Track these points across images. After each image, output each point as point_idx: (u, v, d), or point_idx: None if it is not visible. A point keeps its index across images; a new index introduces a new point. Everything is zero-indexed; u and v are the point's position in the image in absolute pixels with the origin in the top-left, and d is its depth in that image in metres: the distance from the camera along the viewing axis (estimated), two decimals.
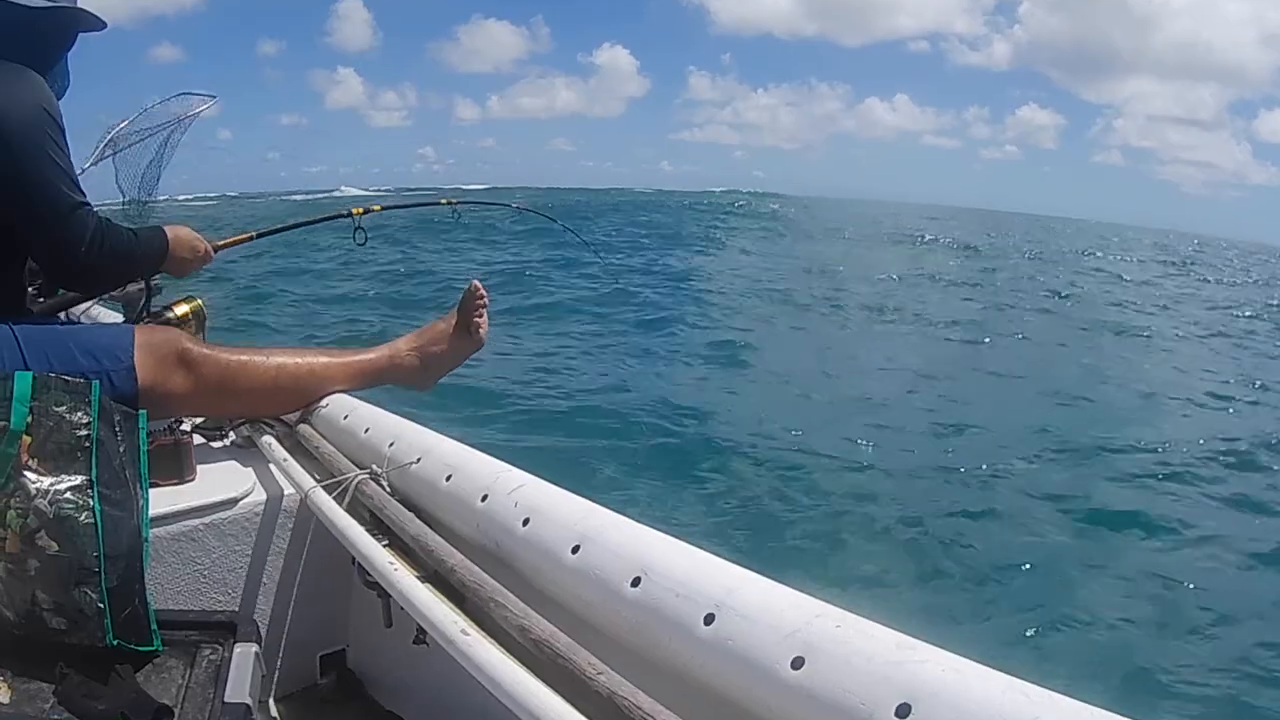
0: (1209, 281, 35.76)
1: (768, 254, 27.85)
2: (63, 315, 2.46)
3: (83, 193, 1.99)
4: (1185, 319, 20.66)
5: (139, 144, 2.85)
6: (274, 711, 2.02)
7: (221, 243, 2.59)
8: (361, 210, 3.17)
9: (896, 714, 0.86)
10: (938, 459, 7.95)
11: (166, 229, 2.29)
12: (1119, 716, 0.80)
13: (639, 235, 31.02)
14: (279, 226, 3.15)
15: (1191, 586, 5.66)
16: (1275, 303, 27.09)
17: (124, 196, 2.82)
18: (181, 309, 2.45)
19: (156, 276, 2.40)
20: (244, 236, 2.85)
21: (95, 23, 2.13)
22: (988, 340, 15.19)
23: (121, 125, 2.78)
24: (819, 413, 9.35)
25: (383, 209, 3.40)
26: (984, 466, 7.67)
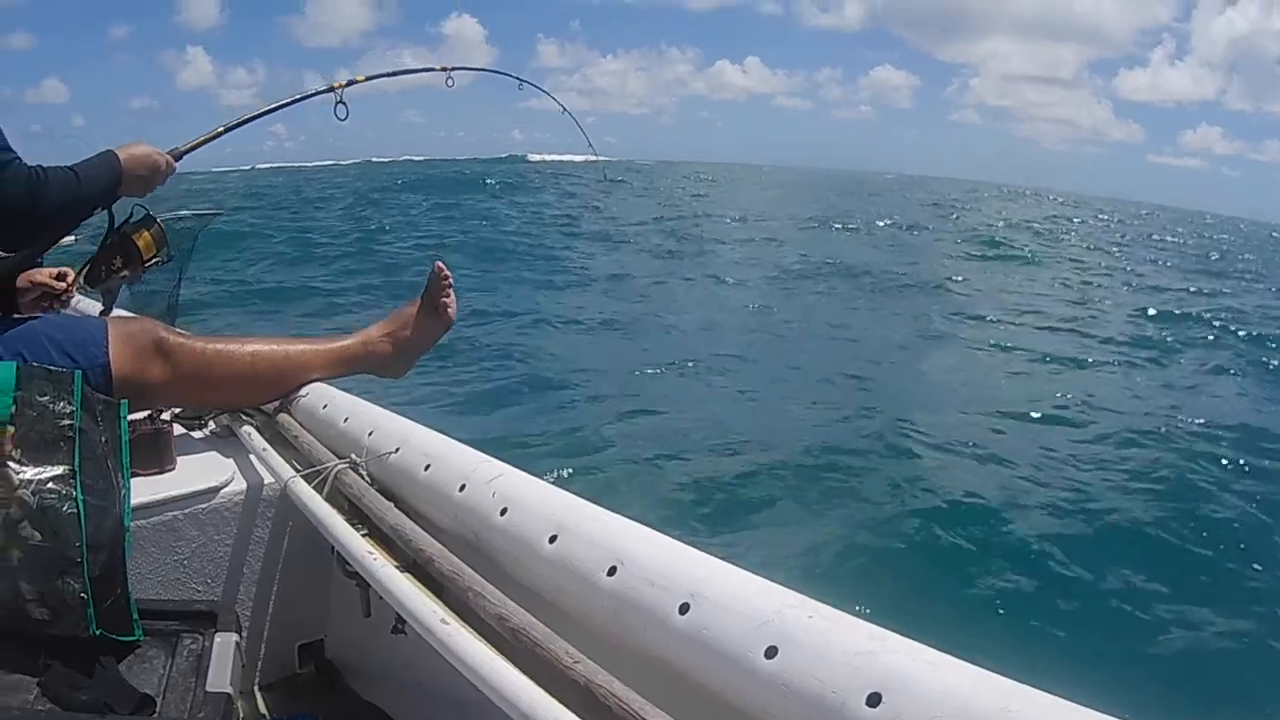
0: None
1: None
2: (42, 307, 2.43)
3: (7, 146, 1.86)
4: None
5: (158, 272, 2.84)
6: (258, 700, 2.03)
7: (184, 147, 2.47)
8: (343, 83, 2.96)
9: (868, 703, 0.88)
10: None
11: (118, 150, 2.19)
12: (1090, 710, 0.81)
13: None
14: (249, 115, 2.82)
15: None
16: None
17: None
18: (143, 238, 2.39)
19: (116, 201, 2.30)
20: (210, 134, 2.64)
21: None
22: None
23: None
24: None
25: (366, 79, 3.14)
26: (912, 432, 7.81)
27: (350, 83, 2.94)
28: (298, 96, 2.92)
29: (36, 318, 2.14)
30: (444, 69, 3.40)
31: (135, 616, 1.52)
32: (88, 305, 3.43)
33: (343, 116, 2.89)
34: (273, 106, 2.87)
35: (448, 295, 2.35)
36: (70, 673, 1.41)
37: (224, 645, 1.53)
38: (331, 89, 2.89)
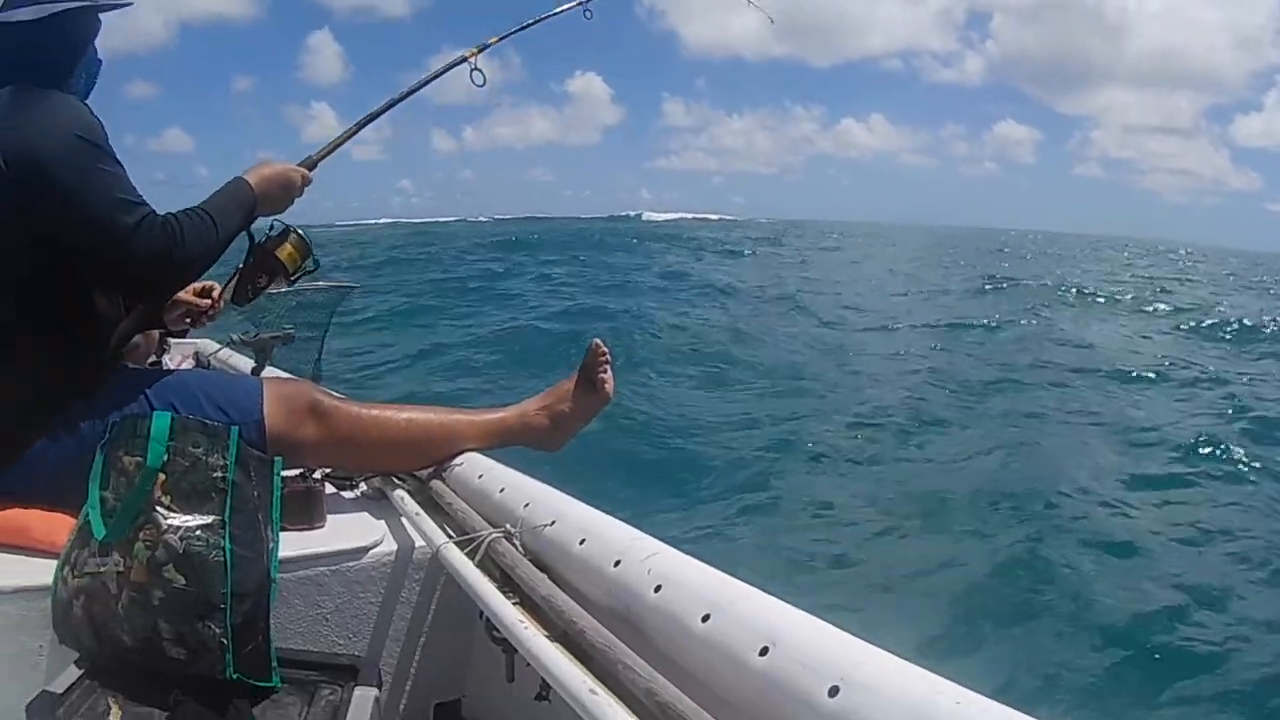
0: None
1: None
2: (193, 360, 2.49)
3: (140, 201, 1.84)
4: None
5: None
6: None
7: (317, 155, 2.40)
8: (475, 50, 2.84)
9: None
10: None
11: (248, 174, 2.13)
12: None
13: None
14: (382, 106, 2.70)
15: None
16: None
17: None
18: (285, 250, 2.30)
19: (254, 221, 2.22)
20: (343, 135, 2.53)
21: (114, 5, 1.97)
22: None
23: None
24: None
25: (499, 39, 2.99)
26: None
27: (483, 47, 2.85)
28: (432, 74, 2.81)
29: (191, 371, 2.20)
30: (581, 3, 3.20)
31: (275, 664, 1.53)
32: (239, 361, 3.57)
33: (480, 83, 2.81)
34: (406, 92, 2.75)
35: (605, 371, 2.35)
36: (202, 709, 1.43)
37: (363, 699, 1.53)
38: (464, 59, 2.81)
